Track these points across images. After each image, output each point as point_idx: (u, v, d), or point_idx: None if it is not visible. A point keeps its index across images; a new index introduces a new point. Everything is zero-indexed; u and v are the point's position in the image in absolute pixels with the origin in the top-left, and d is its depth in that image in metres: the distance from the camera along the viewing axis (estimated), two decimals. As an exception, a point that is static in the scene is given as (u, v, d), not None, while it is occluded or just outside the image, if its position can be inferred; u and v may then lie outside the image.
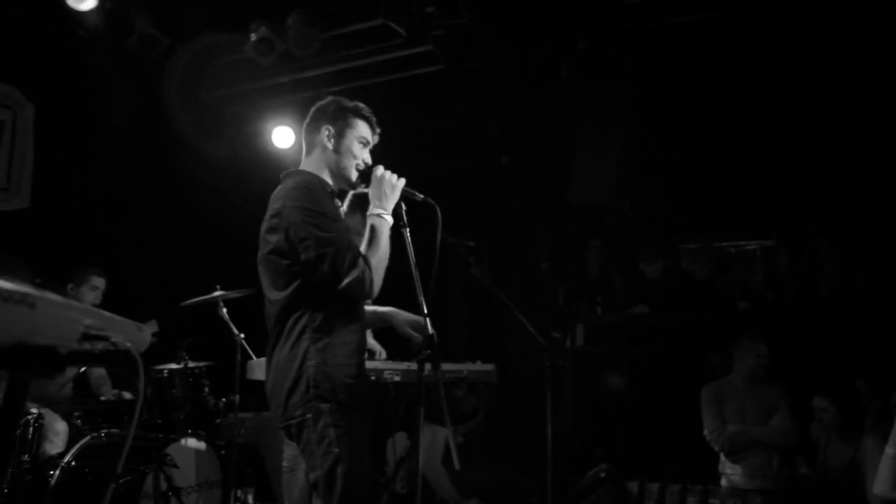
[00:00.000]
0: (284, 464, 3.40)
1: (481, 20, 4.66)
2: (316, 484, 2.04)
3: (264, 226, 2.19)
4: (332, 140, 2.31)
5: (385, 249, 2.17)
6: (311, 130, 2.35)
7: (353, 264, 2.05)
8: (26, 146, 4.76)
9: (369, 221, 2.20)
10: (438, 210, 2.31)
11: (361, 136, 2.35)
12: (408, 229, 2.26)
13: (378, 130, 2.40)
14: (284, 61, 4.94)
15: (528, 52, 5.01)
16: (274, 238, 2.12)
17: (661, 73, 5.00)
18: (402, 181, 2.27)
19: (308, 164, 2.33)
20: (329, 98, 2.40)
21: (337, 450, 2.00)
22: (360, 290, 2.08)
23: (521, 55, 5.06)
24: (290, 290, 2.11)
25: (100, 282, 4.16)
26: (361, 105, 2.38)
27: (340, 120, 2.33)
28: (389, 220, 2.21)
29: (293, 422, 2.06)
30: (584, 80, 5.11)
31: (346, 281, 2.04)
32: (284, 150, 5.45)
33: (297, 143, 2.49)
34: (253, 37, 4.72)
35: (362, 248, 2.13)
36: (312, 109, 2.39)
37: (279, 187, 2.27)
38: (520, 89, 5.40)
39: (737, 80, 4.95)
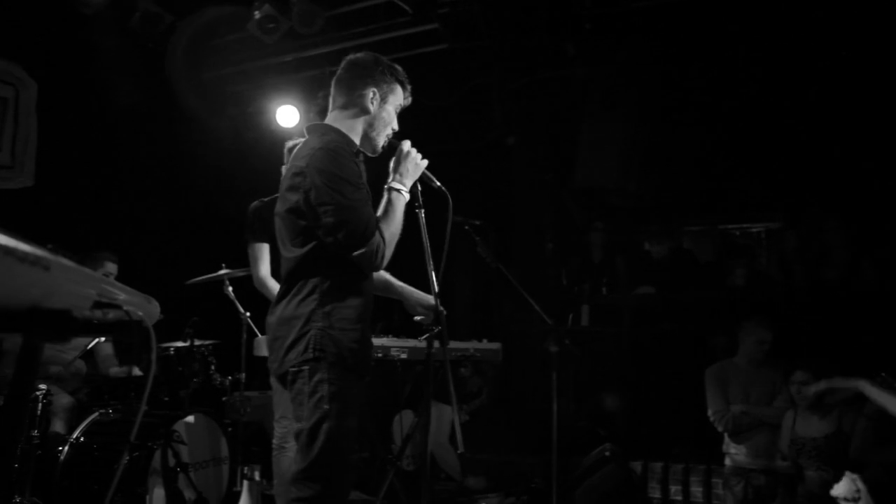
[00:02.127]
0: (274, 442, 3.41)
1: (487, -1, 4.62)
2: (298, 434, 2.05)
3: (285, 182, 2.16)
4: (375, 103, 2.25)
5: (399, 223, 2.16)
6: (353, 87, 2.25)
7: (369, 235, 2.05)
8: (30, 124, 4.73)
9: (387, 194, 2.18)
10: (450, 199, 2.30)
11: (399, 103, 2.31)
12: (422, 210, 2.26)
13: (410, 97, 2.34)
14: (288, 39, 4.90)
15: (534, 32, 4.96)
16: (293, 197, 2.10)
17: (666, 56, 4.95)
18: (426, 162, 2.26)
19: (338, 120, 2.26)
20: (371, 55, 2.31)
21: (327, 406, 2.00)
22: (370, 262, 2.08)
23: (526, 35, 5.01)
24: (305, 249, 2.10)
25: (113, 267, 4.16)
26: (401, 69, 2.32)
27: (385, 84, 2.26)
28: (407, 196, 2.20)
29: (290, 369, 2.07)
30: (590, 62, 5.06)
31: (359, 251, 2.04)
32: (288, 129, 5.43)
33: (324, 98, 2.39)
34: (256, 14, 4.69)
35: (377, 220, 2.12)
36: (352, 63, 2.29)
37: (303, 143, 2.24)
38: (525, 70, 5.35)
39: (744, 63, 4.90)
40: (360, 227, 2.04)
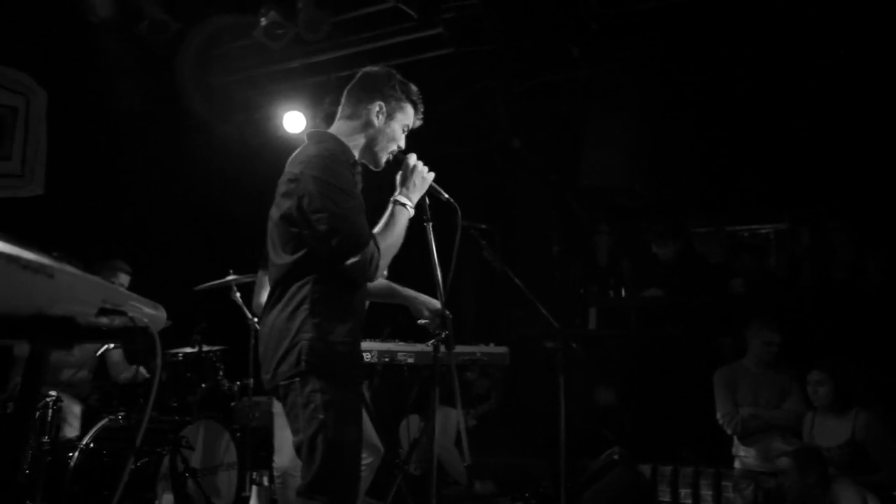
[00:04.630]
0: (276, 474, 3.37)
1: (492, 2, 4.62)
2: (299, 448, 2.03)
3: (280, 188, 2.15)
4: (380, 117, 2.23)
5: (398, 236, 2.14)
6: (361, 99, 2.25)
7: (363, 244, 2.03)
8: (40, 133, 4.78)
9: (391, 206, 2.17)
10: (460, 212, 2.28)
11: (406, 122, 2.29)
12: (430, 224, 2.25)
13: (421, 119, 2.33)
14: (294, 45, 4.92)
15: (538, 34, 4.96)
16: (287, 203, 2.09)
17: (670, 55, 4.94)
18: (432, 175, 2.25)
19: (340, 129, 2.26)
20: (386, 69, 2.31)
21: (322, 416, 1.98)
22: (363, 271, 2.05)
23: (530, 37, 5.01)
24: (295, 257, 2.08)
25: (125, 279, 4.20)
26: (415, 89, 2.30)
27: (395, 100, 2.25)
28: (412, 211, 2.18)
29: (281, 383, 2.05)
30: (595, 63, 5.06)
31: (351, 260, 2.02)
32: (295, 135, 5.45)
33: (330, 104, 2.39)
34: (263, 21, 4.71)
35: (375, 231, 2.10)
36: (365, 75, 2.30)
37: (301, 148, 2.22)
38: (529, 72, 5.35)
39: (752, 63, 4.88)
40: (354, 235, 2.02)
